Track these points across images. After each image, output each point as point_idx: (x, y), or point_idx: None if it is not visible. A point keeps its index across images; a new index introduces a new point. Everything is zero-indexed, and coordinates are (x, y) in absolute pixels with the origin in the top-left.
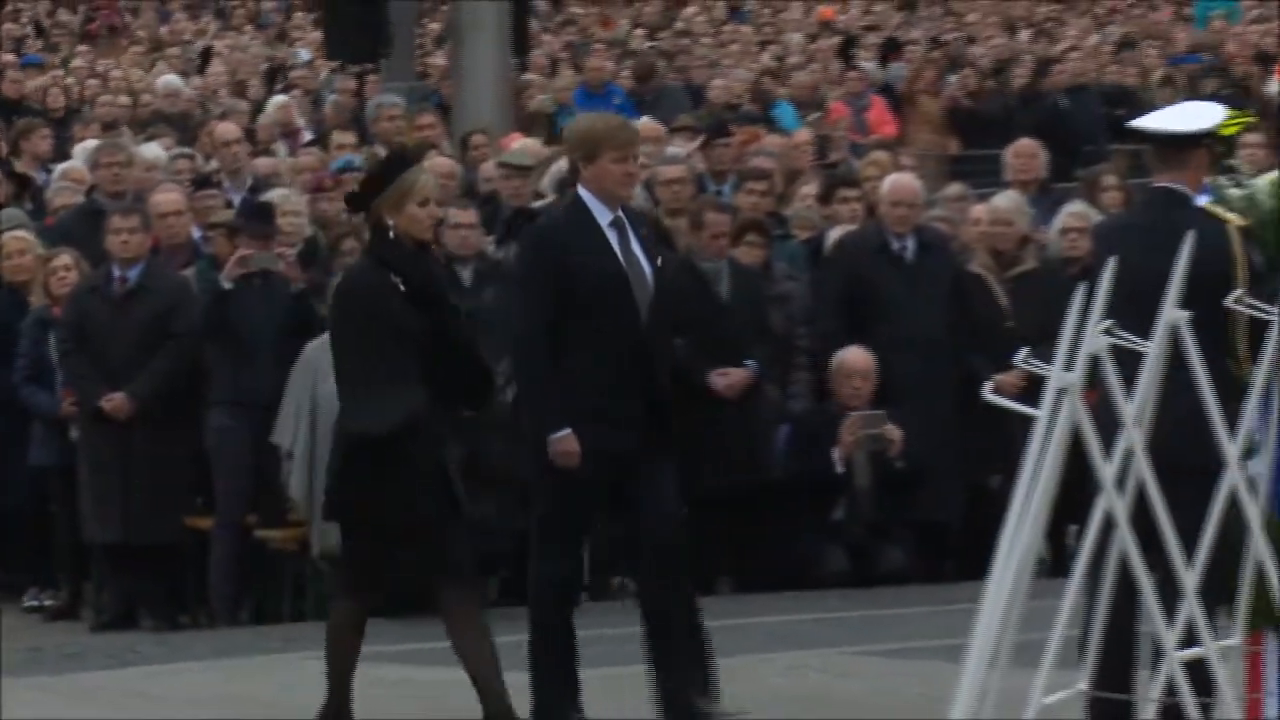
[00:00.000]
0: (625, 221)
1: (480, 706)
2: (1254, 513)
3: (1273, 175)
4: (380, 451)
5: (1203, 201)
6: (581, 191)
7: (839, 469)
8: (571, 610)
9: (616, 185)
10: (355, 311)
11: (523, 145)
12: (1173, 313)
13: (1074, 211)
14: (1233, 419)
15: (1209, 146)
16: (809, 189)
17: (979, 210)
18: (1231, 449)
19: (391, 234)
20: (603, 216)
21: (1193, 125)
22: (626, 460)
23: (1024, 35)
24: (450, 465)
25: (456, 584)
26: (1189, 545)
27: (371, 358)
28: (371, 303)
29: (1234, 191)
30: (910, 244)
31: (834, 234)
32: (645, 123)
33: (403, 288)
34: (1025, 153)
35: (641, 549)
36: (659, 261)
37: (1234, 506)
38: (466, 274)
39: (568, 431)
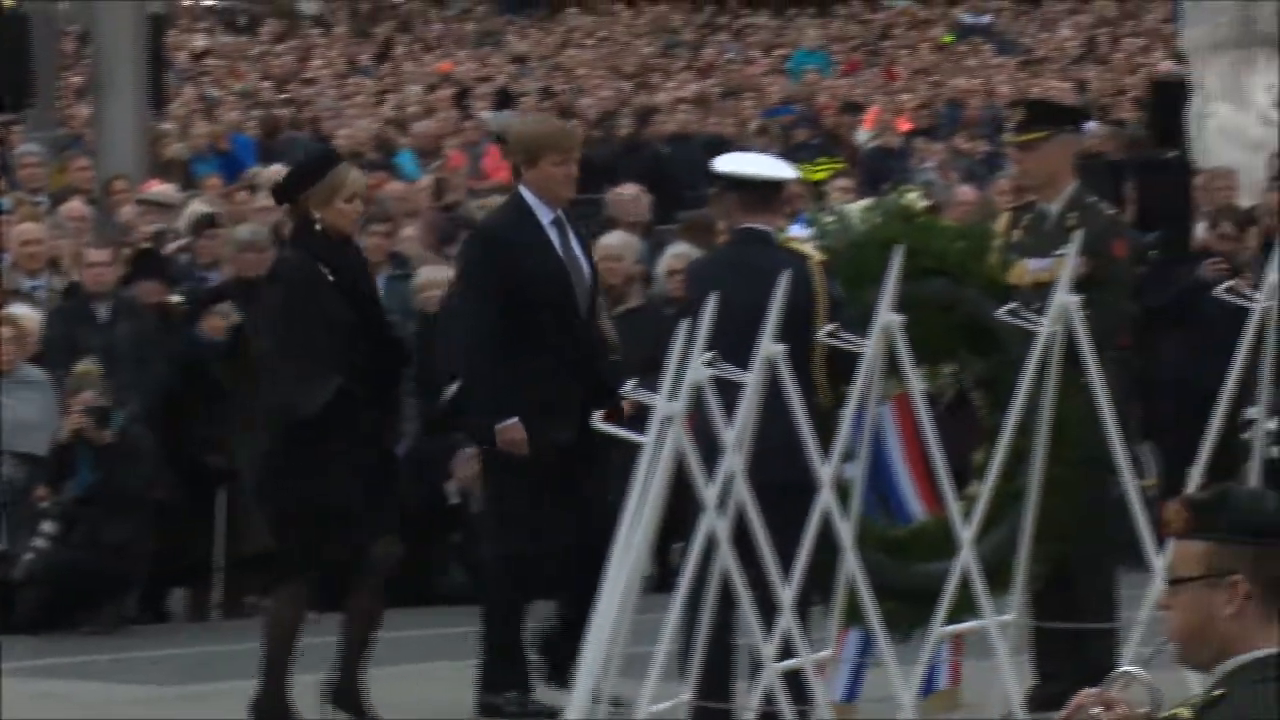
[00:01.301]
0: (565, 221)
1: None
2: (845, 530)
3: (866, 202)
4: (309, 434)
5: (797, 229)
6: (523, 192)
7: (453, 500)
8: (527, 593)
9: (557, 187)
10: (287, 299)
11: (160, 190)
12: (770, 346)
13: (677, 253)
14: (825, 444)
15: (785, 195)
16: (410, 230)
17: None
18: (824, 471)
19: (318, 227)
20: (544, 216)
21: (778, 173)
22: (569, 449)
23: (629, 87)
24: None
25: (371, 576)
26: (786, 561)
27: (301, 345)
28: (303, 292)
29: (828, 217)
30: None
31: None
32: (275, 171)
33: (331, 278)
34: (628, 196)
35: (580, 545)
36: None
37: (828, 525)
38: (103, 310)
39: (515, 420)
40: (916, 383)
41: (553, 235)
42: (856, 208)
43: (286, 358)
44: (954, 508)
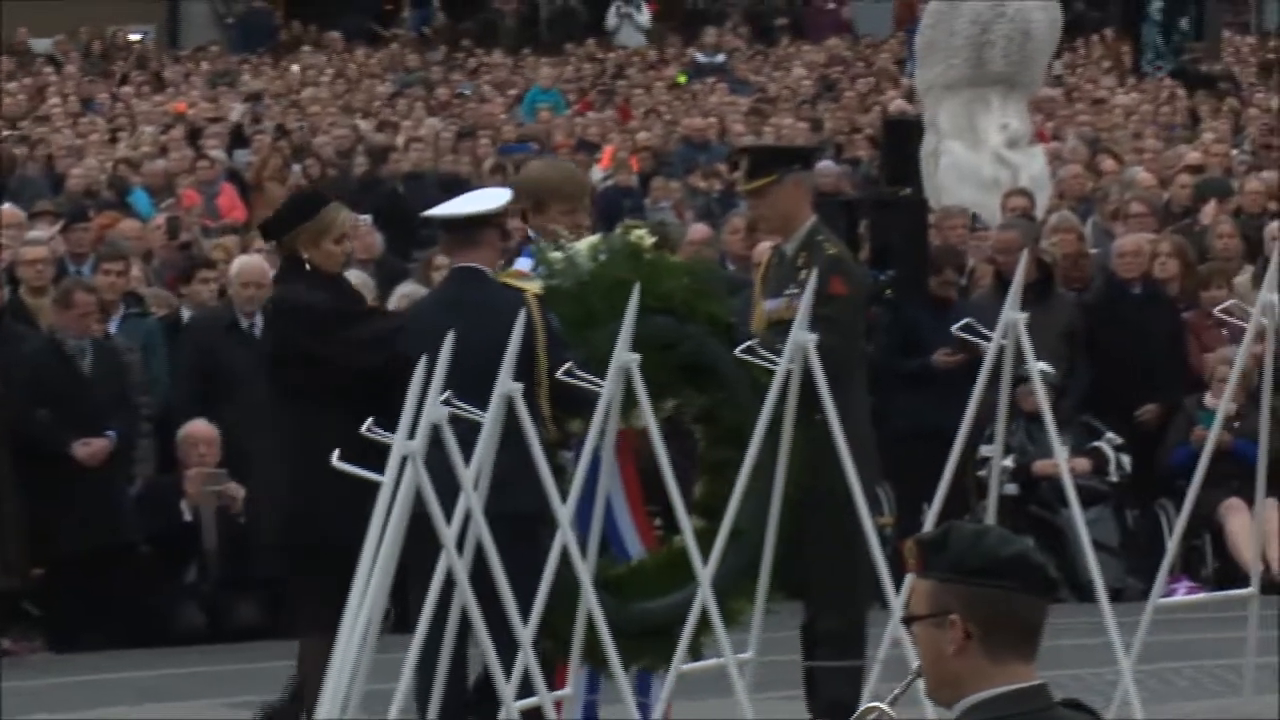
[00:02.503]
0: None
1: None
2: (583, 569)
3: (594, 239)
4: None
5: (524, 263)
6: (532, 236)
7: (187, 517)
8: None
9: (564, 235)
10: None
11: None
12: (507, 384)
13: (404, 293)
14: (555, 475)
15: (498, 226)
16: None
17: None
18: (563, 511)
19: (307, 266)
20: None
21: (482, 207)
22: None
23: (365, 125)
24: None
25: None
26: (521, 590)
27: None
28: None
29: (555, 254)
30: (258, 321)
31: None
32: (6, 209)
33: None
34: (362, 233)
35: None
36: None
37: (565, 561)
38: None
39: None
40: (654, 422)
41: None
42: (584, 246)
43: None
44: (691, 541)
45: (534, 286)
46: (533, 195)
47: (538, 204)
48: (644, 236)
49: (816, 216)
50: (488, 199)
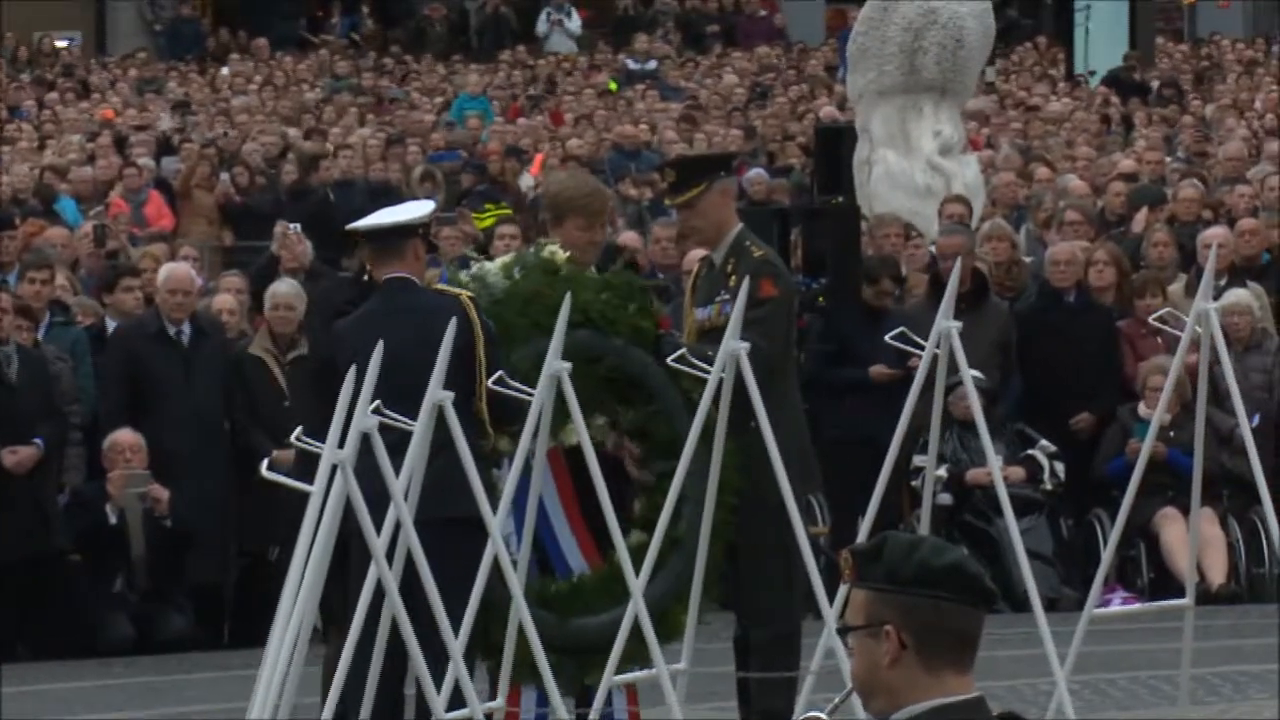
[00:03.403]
0: None
1: None
2: (514, 580)
3: (507, 258)
4: None
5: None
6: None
7: (113, 520)
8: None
9: (577, 251)
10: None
11: None
12: (437, 393)
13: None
14: (488, 485)
15: (423, 236)
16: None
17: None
18: (493, 521)
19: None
20: None
21: (404, 217)
22: None
23: (294, 132)
24: None
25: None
26: (451, 596)
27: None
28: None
29: (464, 275)
30: (186, 329)
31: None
32: None
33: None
34: (291, 242)
35: None
36: None
37: (496, 572)
38: None
39: None
40: (585, 432)
41: None
42: (495, 265)
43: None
44: (625, 557)
45: (466, 291)
46: (552, 208)
47: (556, 218)
48: (557, 252)
49: (742, 224)
50: (410, 210)
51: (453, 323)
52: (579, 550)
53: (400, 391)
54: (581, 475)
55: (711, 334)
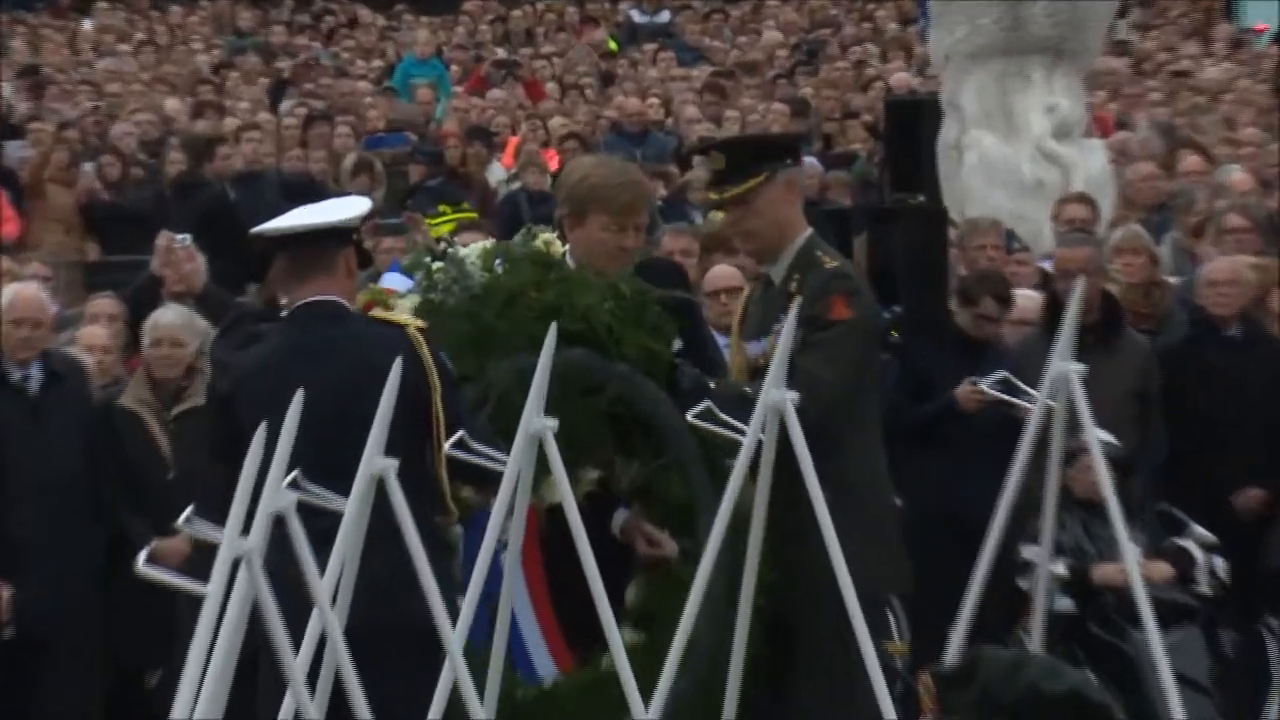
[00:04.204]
0: None
1: None
2: (477, 707)
3: (488, 244)
4: None
5: (393, 279)
6: (569, 259)
7: None
8: None
9: (601, 260)
10: None
11: None
12: (377, 461)
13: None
14: (444, 578)
15: (356, 244)
16: None
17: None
18: (451, 636)
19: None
20: None
21: (333, 218)
22: None
23: (181, 108)
24: None
25: None
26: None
27: None
28: None
29: (437, 263)
30: (35, 373)
31: None
32: None
33: None
34: (181, 259)
35: None
36: None
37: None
38: None
39: None
40: (571, 499)
41: None
42: (474, 250)
43: None
44: (622, 659)
45: (415, 320)
46: (573, 200)
47: (576, 212)
48: (553, 241)
49: (812, 229)
50: (339, 208)
51: (397, 364)
52: (545, 647)
53: (326, 457)
54: (556, 542)
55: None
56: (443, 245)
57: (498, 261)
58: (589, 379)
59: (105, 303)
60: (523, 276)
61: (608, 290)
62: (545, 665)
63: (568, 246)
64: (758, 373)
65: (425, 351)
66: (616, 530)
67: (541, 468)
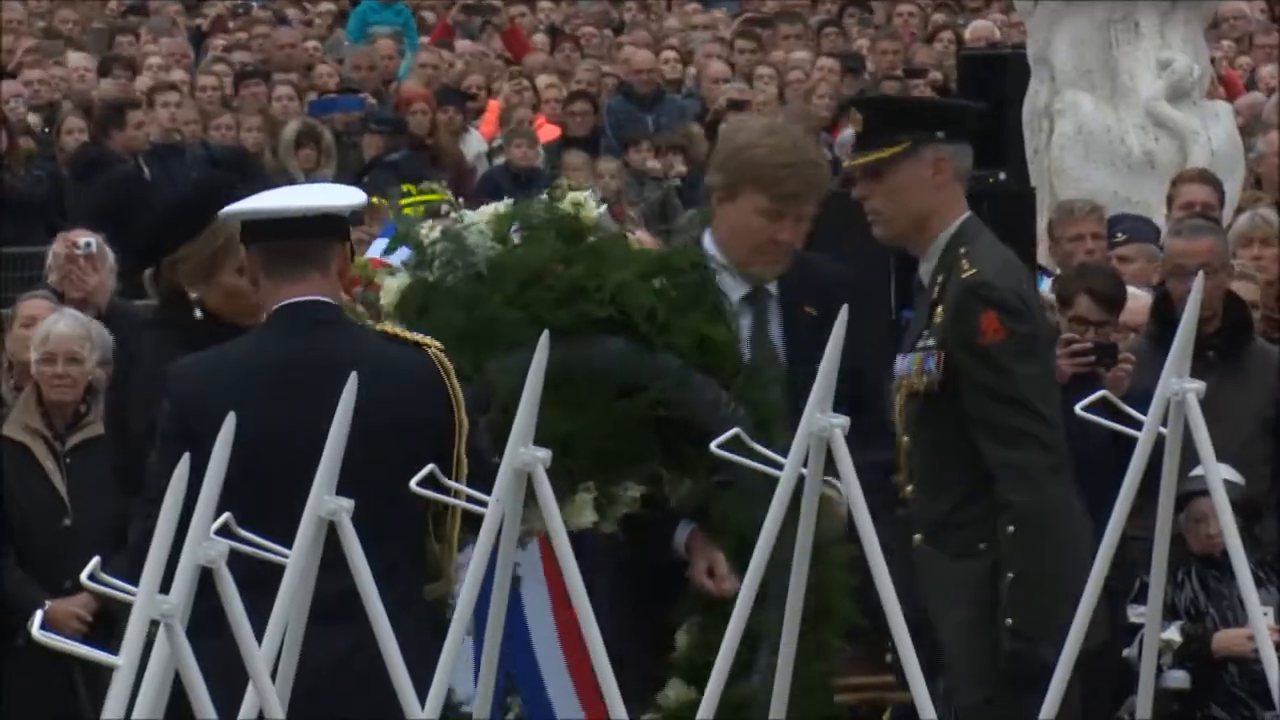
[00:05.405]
0: (770, 299)
1: None
2: None
3: (500, 207)
4: None
5: (378, 249)
6: (707, 242)
7: None
8: None
9: (744, 250)
10: None
11: None
12: (329, 500)
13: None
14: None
15: (347, 239)
16: None
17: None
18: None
19: (198, 312)
20: (732, 287)
21: (335, 201)
22: None
23: (83, 62)
24: None
25: None
26: None
27: None
28: None
29: (432, 234)
30: None
31: None
32: None
33: None
34: (82, 271)
35: None
36: None
37: None
38: None
39: None
40: (564, 535)
41: (742, 320)
42: (483, 215)
43: None
44: None
45: (436, 343)
46: (726, 170)
47: (729, 186)
48: (586, 202)
49: (969, 212)
50: (335, 193)
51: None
52: (576, 697)
53: (285, 498)
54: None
55: (914, 401)
56: (446, 209)
57: (513, 229)
58: (627, 375)
59: None
60: (545, 249)
61: (654, 263)
62: (572, 713)
63: (710, 225)
64: (908, 398)
65: (453, 382)
66: (680, 545)
67: (564, 484)
